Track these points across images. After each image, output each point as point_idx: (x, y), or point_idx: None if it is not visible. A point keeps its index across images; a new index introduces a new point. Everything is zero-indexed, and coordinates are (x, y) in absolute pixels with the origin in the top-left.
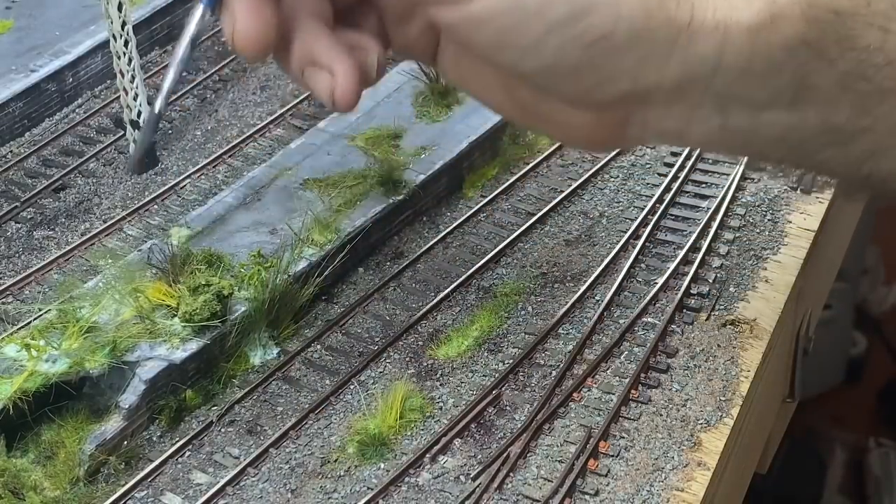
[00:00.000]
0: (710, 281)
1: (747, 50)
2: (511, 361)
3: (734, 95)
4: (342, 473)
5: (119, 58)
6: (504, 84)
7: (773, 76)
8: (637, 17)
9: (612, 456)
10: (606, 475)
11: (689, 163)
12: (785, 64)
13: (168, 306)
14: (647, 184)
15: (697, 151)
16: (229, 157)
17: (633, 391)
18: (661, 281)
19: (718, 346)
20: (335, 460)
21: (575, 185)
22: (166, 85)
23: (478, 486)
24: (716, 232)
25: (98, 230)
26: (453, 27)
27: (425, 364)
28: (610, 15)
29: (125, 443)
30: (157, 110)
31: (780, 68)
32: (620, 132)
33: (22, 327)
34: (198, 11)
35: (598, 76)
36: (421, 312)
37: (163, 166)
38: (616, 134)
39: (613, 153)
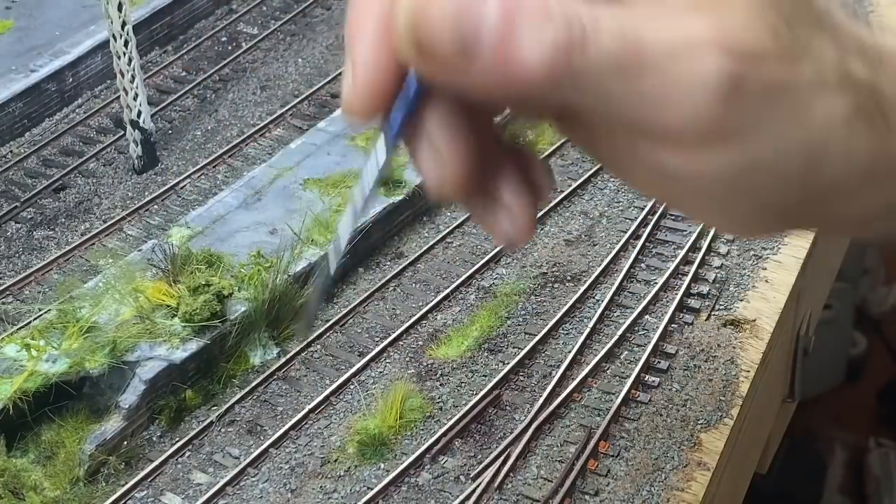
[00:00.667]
0: (710, 281)
1: None
2: (511, 361)
3: None
4: (342, 473)
5: (119, 58)
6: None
7: None
8: (865, 159)
9: (612, 456)
10: (606, 475)
11: None
12: None
13: (168, 306)
14: None
15: None
16: (229, 157)
17: (633, 391)
18: (661, 281)
19: (718, 346)
20: (335, 460)
21: (575, 185)
22: (342, 244)
23: (478, 486)
24: (716, 232)
25: (98, 230)
26: (657, 170)
27: (425, 364)
28: (842, 161)
29: (125, 443)
30: (331, 274)
31: None
32: (786, 230)
33: (22, 327)
34: (380, 151)
35: (808, 215)
36: (421, 312)
37: (163, 166)
38: (780, 231)
39: None
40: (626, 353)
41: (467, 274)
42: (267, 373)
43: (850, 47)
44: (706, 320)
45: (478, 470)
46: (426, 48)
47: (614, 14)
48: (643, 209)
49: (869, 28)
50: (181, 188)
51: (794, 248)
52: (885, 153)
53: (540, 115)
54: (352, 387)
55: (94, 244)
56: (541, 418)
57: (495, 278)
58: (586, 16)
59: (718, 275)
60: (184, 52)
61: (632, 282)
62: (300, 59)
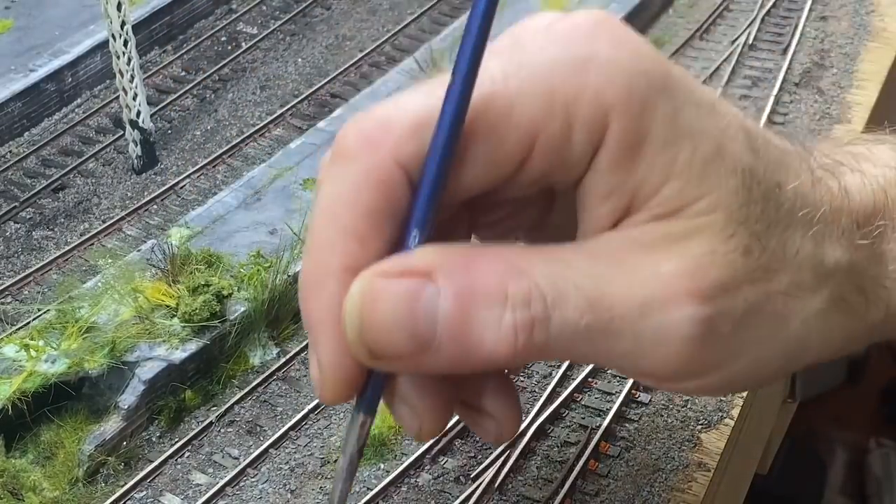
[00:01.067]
0: None
1: None
2: None
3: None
4: None
5: (118, 57)
6: None
7: None
8: (843, 338)
9: (613, 457)
10: (607, 476)
11: None
12: None
13: (167, 306)
14: None
15: None
16: (229, 157)
17: (633, 391)
18: None
19: None
20: (335, 461)
21: None
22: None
23: (478, 486)
24: None
25: (97, 230)
26: (658, 388)
27: None
28: (818, 352)
29: (124, 443)
30: (351, 456)
31: None
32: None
33: (21, 327)
34: (359, 422)
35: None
36: None
37: (162, 166)
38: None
39: None
40: None
41: None
42: (267, 373)
43: (828, 232)
44: None
45: (478, 470)
46: (379, 353)
47: (578, 275)
48: None
49: (852, 177)
50: (181, 188)
51: None
52: (865, 324)
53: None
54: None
55: (93, 244)
56: (541, 418)
57: None
58: (548, 286)
59: None
60: (183, 51)
61: None
62: (300, 59)
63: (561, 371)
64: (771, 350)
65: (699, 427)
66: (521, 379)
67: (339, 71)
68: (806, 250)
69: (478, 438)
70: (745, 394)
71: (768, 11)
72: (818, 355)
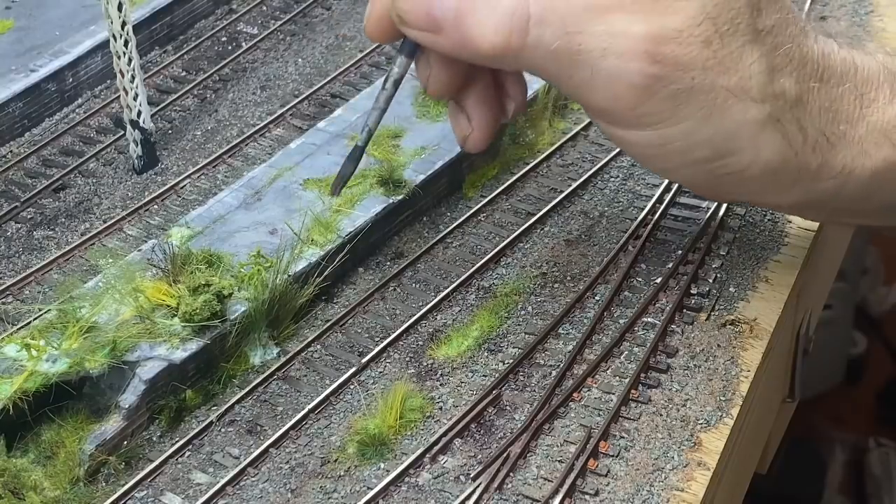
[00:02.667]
0: (710, 281)
1: (866, 186)
2: (511, 361)
3: (846, 210)
4: (342, 473)
5: (119, 58)
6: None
7: (885, 199)
8: (772, 162)
9: (612, 456)
10: (606, 475)
11: None
12: None
13: (168, 306)
14: (647, 184)
15: None
16: (229, 157)
17: (633, 391)
18: (661, 281)
19: (718, 346)
20: (335, 460)
21: (575, 185)
22: (371, 122)
23: (478, 486)
24: (716, 232)
25: (98, 230)
26: (605, 134)
27: (425, 364)
28: (747, 159)
29: (125, 443)
30: (360, 143)
31: (893, 195)
32: (736, 200)
33: (22, 327)
34: (399, 61)
35: (723, 191)
36: (421, 312)
37: (163, 166)
38: (732, 200)
39: (614, 154)
40: (626, 352)
41: (467, 274)
42: (267, 373)
43: (786, 64)
44: (706, 320)
45: (478, 470)
46: (406, 22)
47: (566, 11)
48: (643, 209)
49: (827, 44)
50: (181, 188)
51: (794, 248)
52: (797, 161)
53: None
54: (352, 387)
55: (94, 244)
56: (541, 418)
57: (495, 278)
58: (536, 10)
59: (718, 275)
60: (184, 52)
61: (632, 282)
62: (300, 59)
63: (560, 371)
64: (702, 132)
65: (699, 427)
66: (521, 378)
67: (339, 71)
68: (760, 66)
69: (477, 438)
70: (744, 394)
71: None
72: (747, 165)
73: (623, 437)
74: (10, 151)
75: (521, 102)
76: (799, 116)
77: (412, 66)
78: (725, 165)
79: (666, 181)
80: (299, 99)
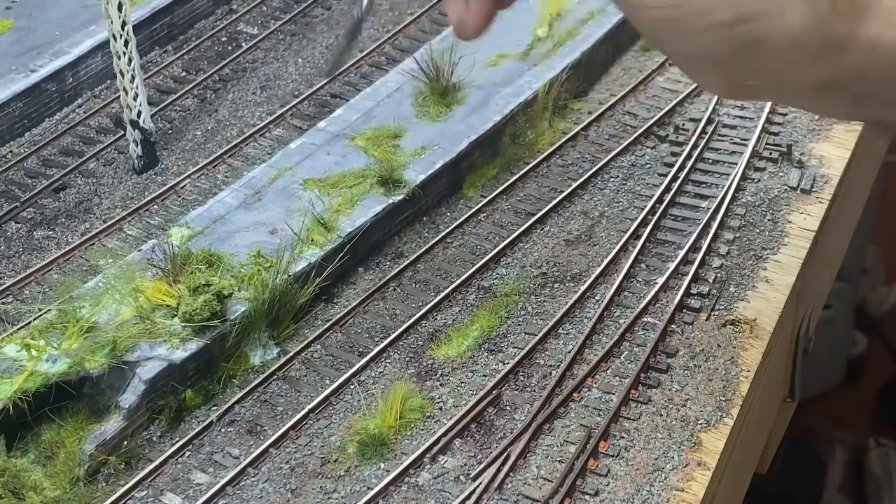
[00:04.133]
0: (710, 281)
1: (893, 65)
2: (511, 361)
3: (871, 95)
4: (342, 473)
5: (119, 58)
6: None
7: None
8: (796, 30)
9: (612, 456)
10: (606, 475)
11: (690, 163)
12: None
13: (168, 306)
14: (647, 184)
15: (697, 152)
16: (229, 157)
17: (633, 391)
18: (661, 281)
19: (718, 346)
20: (335, 460)
21: (575, 185)
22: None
23: (478, 486)
24: (716, 232)
25: (98, 230)
26: (629, 5)
27: (425, 364)
28: (772, 23)
29: (125, 443)
30: (356, 17)
31: None
32: (754, 97)
33: (22, 327)
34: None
35: (743, 67)
36: (421, 312)
37: (163, 166)
38: (748, 96)
39: (614, 154)
40: (626, 353)
41: (467, 274)
42: (267, 373)
43: None
44: (706, 320)
45: (478, 470)
46: None
47: None
48: (643, 209)
49: None
50: (181, 188)
51: (794, 248)
52: (823, 31)
53: None
54: (352, 387)
55: (94, 244)
56: (541, 418)
57: (495, 278)
58: None
59: (718, 275)
60: (184, 52)
61: (632, 282)
62: (300, 59)
63: (560, 371)
64: None
65: (699, 427)
66: (521, 379)
67: (340, 71)
68: None
69: (477, 438)
70: (744, 394)
71: None
72: (770, 30)
73: (623, 437)
74: (10, 151)
75: None
76: None
77: None
78: (748, 32)
79: (666, 181)
80: (299, 99)
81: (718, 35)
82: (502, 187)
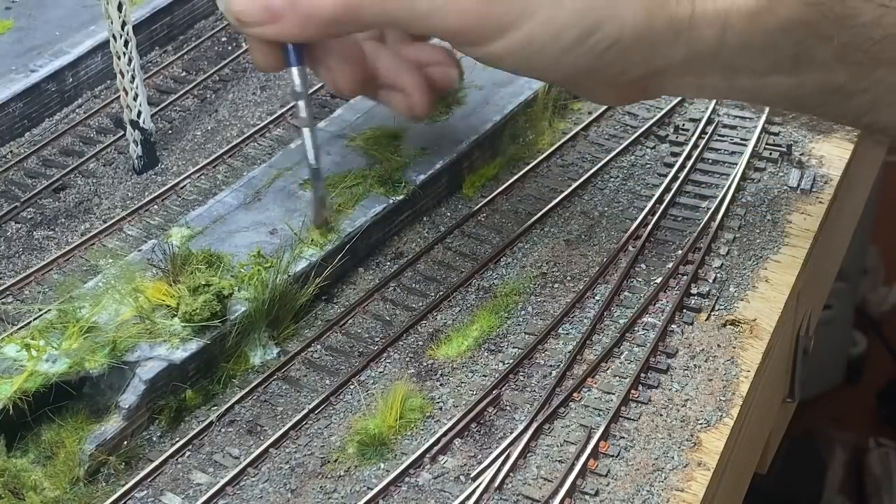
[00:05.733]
0: (710, 281)
1: (747, 31)
2: (511, 361)
3: (738, 66)
4: (342, 473)
5: (119, 58)
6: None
7: (773, 51)
8: (640, 22)
9: (612, 456)
10: (606, 475)
11: (689, 163)
12: (783, 41)
13: (168, 306)
14: (647, 184)
15: (697, 152)
16: (229, 157)
17: (633, 391)
18: (661, 281)
19: (718, 346)
20: (335, 460)
21: (575, 185)
22: (309, 146)
23: (478, 486)
24: (716, 232)
25: (98, 230)
26: (481, 61)
27: (425, 364)
28: (615, 26)
29: (125, 443)
30: (314, 165)
31: (778, 45)
32: (646, 94)
33: (22, 327)
34: (295, 74)
35: (611, 71)
36: (421, 312)
37: (163, 166)
38: (642, 95)
39: (614, 154)
40: (626, 353)
41: (467, 274)
42: (267, 373)
43: None
44: (706, 320)
45: (478, 470)
46: (245, 22)
47: None
48: (643, 209)
49: None
50: (181, 188)
51: (794, 248)
52: (666, 14)
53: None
54: (352, 387)
55: (94, 244)
56: (541, 418)
57: (495, 278)
58: None
59: (718, 275)
60: (184, 52)
61: (632, 282)
62: None
63: (560, 371)
64: (560, 16)
65: (699, 427)
66: (521, 379)
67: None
68: None
69: (477, 438)
70: (744, 394)
71: None
72: (617, 32)
73: (623, 437)
74: (10, 151)
75: (448, 61)
76: None
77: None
78: (598, 42)
79: (666, 181)
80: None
81: (575, 54)
82: (502, 187)
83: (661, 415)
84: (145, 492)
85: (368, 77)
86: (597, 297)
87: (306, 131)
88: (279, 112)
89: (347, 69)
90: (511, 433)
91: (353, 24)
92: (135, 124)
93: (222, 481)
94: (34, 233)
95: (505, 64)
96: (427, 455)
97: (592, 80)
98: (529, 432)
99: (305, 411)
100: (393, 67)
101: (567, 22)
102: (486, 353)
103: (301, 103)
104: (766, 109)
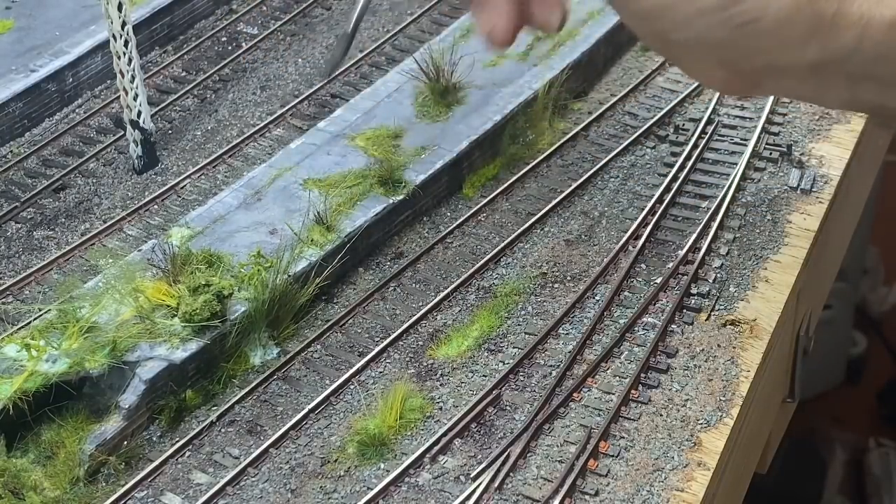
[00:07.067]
0: (710, 281)
1: (885, 40)
2: (511, 361)
3: (866, 74)
4: (342, 473)
5: (119, 58)
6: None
7: None
8: (785, 7)
9: (612, 456)
10: (606, 475)
11: (689, 163)
12: None
13: (168, 306)
14: (647, 184)
15: (697, 152)
16: (229, 157)
17: (633, 391)
18: (661, 281)
19: (718, 346)
20: (335, 460)
21: (575, 185)
22: (357, 10)
23: (478, 486)
24: (716, 232)
25: (98, 230)
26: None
27: (425, 364)
28: (760, 3)
29: (125, 443)
30: (349, 30)
31: None
32: (755, 89)
33: (22, 327)
34: None
35: (739, 52)
36: (421, 312)
37: (163, 166)
38: (750, 89)
39: (614, 154)
40: (626, 353)
41: (467, 274)
42: (267, 373)
43: None
44: (706, 320)
45: (478, 470)
46: None
47: None
48: (643, 209)
49: None
50: (181, 188)
51: (794, 248)
52: (811, 8)
53: None
54: (352, 387)
55: (94, 244)
56: (541, 418)
57: (495, 278)
58: None
59: (718, 275)
60: (184, 52)
61: (632, 282)
62: (300, 59)
63: (560, 371)
64: None
65: (699, 427)
66: (521, 379)
67: (339, 71)
68: None
69: (477, 438)
70: (744, 394)
71: None
72: (761, 9)
73: (623, 437)
74: (11, 151)
75: (553, 2)
76: None
77: None
78: (739, 13)
79: (666, 181)
80: (299, 99)
81: (710, 19)
82: (502, 187)
83: (661, 415)
84: (145, 492)
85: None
86: (597, 298)
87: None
88: (279, 112)
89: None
90: (511, 433)
91: None
92: (135, 124)
93: (222, 481)
94: (34, 233)
95: (641, 6)
96: (427, 455)
97: (713, 55)
98: (529, 432)
99: (305, 411)
100: None
101: None
102: (486, 353)
103: None
104: (766, 109)
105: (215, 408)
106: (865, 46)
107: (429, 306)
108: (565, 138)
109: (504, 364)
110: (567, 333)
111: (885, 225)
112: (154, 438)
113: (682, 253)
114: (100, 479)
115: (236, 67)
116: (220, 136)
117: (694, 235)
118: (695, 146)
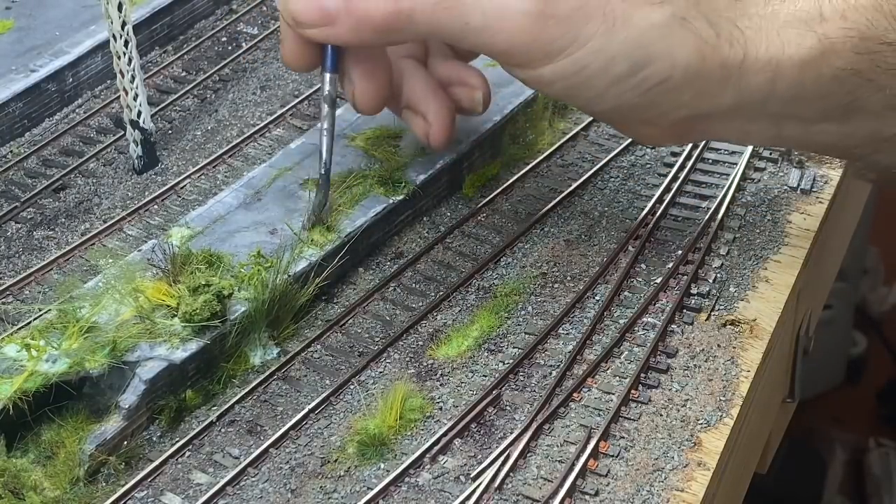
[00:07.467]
0: (710, 281)
1: (798, 81)
2: (511, 361)
3: (787, 113)
4: (342, 473)
5: (119, 58)
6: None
7: (823, 100)
8: (692, 62)
9: (612, 456)
10: (606, 475)
11: (690, 163)
12: (834, 91)
13: (168, 306)
14: (647, 184)
15: (697, 152)
16: (229, 157)
17: (633, 391)
18: (661, 281)
19: (718, 346)
20: (335, 460)
21: (575, 185)
22: (324, 150)
23: (478, 486)
24: (716, 232)
25: (98, 230)
26: (527, 83)
27: (425, 364)
28: (666, 64)
29: (125, 443)
30: (321, 172)
31: (829, 94)
32: (687, 136)
33: (22, 327)
34: (327, 80)
35: (657, 110)
36: (421, 312)
37: (163, 166)
38: (684, 137)
39: (614, 154)
40: (626, 353)
41: (467, 274)
42: (267, 373)
43: None
44: (706, 320)
45: (478, 470)
46: (301, 23)
47: None
48: (643, 209)
49: None
50: (181, 188)
51: (794, 248)
52: (717, 57)
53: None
54: (352, 387)
55: (94, 244)
56: (541, 418)
57: (495, 278)
58: None
59: (718, 275)
60: (184, 52)
61: (632, 282)
62: None
63: (560, 371)
64: (611, 46)
65: (699, 427)
66: (521, 379)
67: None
68: None
69: (477, 438)
70: (744, 394)
71: None
72: (668, 70)
73: (623, 437)
74: (10, 151)
75: (477, 84)
76: (705, 12)
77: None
78: (647, 77)
79: (666, 181)
80: (299, 99)
81: (622, 87)
82: (502, 187)
83: (661, 415)
84: (145, 492)
85: (392, 95)
86: (597, 297)
87: (325, 138)
88: (279, 112)
89: (370, 86)
90: (511, 433)
91: (404, 32)
92: (135, 124)
93: (222, 481)
94: (34, 233)
95: (551, 89)
96: (427, 455)
97: (636, 116)
98: (529, 432)
99: (305, 411)
100: (420, 91)
101: (618, 53)
102: (486, 353)
103: (326, 109)
104: None
105: (215, 408)
106: (779, 88)
107: (429, 306)
108: (565, 138)
109: (504, 364)
110: (567, 333)
111: (885, 225)
112: (154, 438)
113: (682, 253)
114: (100, 479)
115: (236, 67)
116: (220, 136)
117: (694, 235)
118: (695, 146)
